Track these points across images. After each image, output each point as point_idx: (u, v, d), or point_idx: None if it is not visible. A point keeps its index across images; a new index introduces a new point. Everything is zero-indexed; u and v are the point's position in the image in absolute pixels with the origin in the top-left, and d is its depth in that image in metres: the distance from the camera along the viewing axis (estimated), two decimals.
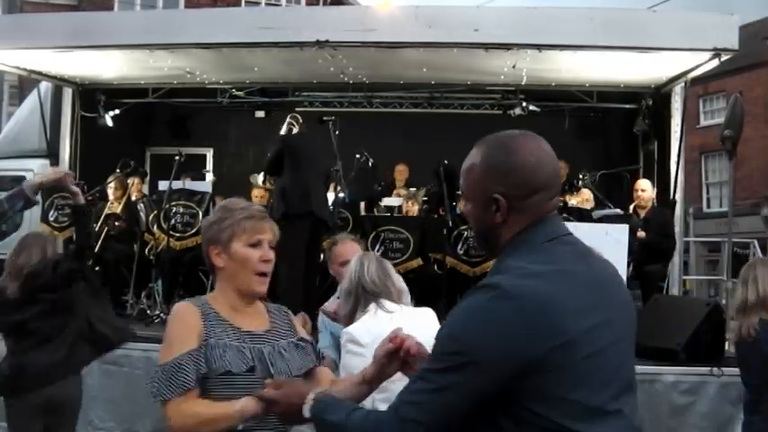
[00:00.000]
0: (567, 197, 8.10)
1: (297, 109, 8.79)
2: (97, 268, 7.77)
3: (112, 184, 8.00)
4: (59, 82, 9.01)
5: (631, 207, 7.79)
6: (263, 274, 2.22)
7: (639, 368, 5.52)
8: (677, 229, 7.77)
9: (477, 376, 1.53)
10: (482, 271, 7.19)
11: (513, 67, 7.68)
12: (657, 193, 8.09)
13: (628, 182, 8.42)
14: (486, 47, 6.95)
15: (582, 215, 7.28)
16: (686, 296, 9.64)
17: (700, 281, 13.86)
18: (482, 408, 1.57)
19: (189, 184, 8.00)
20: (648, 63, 7.42)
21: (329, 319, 3.62)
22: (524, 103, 8.83)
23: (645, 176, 8.64)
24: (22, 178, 9.75)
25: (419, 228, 7.71)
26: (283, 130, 7.24)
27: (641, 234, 7.28)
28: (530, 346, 1.51)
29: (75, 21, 7.98)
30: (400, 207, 8.34)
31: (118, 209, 7.94)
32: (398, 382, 1.85)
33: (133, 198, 8.27)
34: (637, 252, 7.08)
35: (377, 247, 7.54)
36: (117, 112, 9.32)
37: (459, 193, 9.17)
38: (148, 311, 7.38)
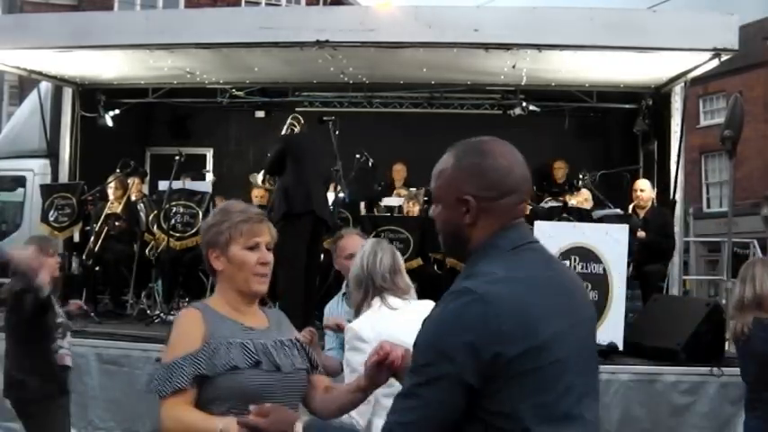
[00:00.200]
0: (568, 197, 8.10)
1: (297, 109, 8.80)
2: (97, 268, 7.78)
3: (112, 184, 8.00)
4: (59, 82, 9.01)
5: (631, 207, 7.79)
6: (261, 276, 2.25)
7: (639, 368, 5.58)
8: (677, 229, 7.77)
9: (459, 383, 1.54)
10: None
11: (513, 67, 7.68)
12: (657, 193, 8.09)
13: (628, 182, 8.42)
14: (486, 47, 6.96)
15: (582, 215, 7.28)
16: (686, 296, 9.64)
17: (700, 281, 13.86)
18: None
19: (189, 184, 8.00)
20: (648, 63, 7.42)
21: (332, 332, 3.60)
22: (524, 103, 8.83)
23: (645, 176, 8.64)
24: (23, 178, 9.80)
25: (419, 228, 7.70)
26: (284, 131, 7.24)
27: (641, 234, 7.29)
28: (504, 349, 1.53)
29: (75, 21, 7.98)
30: (400, 207, 8.34)
31: (118, 209, 7.94)
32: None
33: (133, 198, 8.27)
34: (637, 252, 7.08)
35: None
36: (117, 112, 9.33)
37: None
38: (148, 311, 7.38)
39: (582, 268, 6.03)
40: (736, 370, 4.19)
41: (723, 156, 17.10)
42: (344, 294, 3.75)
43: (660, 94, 8.54)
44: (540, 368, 1.56)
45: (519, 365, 1.54)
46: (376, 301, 2.89)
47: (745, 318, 3.84)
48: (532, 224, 6.54)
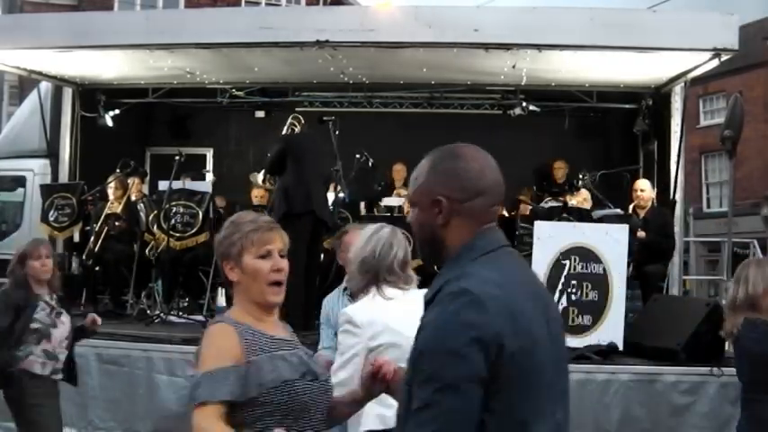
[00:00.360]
0: (568, 197, 8.10)
1: (297, 109, 8.80)
2: (97, 268, 7.79)
3: (112, 184, 8.00)
4: (59, 82, 9.01)
5: (631, 207, 7.79)
6: (276, 284, 2.24)
7: (639, 368, 5.57)
8: (677, 229, 7.77)
9: (476, 381, 1.55)
10: None
11: (513, 67, 7.68)
12: (657, 193, 8.09)
13: (628, 182, 8.42)
14: (486, 47, 6.96)
15: (582, 215, 7.28)
16: (686, 296, 9.64)
17: (700, 281, 13.87)
18: None
19: (189, 184, 7.99)
20: (648, 63, 7.42)
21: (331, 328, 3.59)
22: (524, 103, 8.83)
23: (645, 176, 8.64)
24: (23, 178, 9.80)
25: None
26: (285, 130, 7.24)
27: (641, 234, 7.29)
28: (506, 342, 1.56)
29: (75, 21, 7.99)
30: (400, 207, 8.34)
31: (118, 209, 7.94)
32: None
33: (133, 198, 8.28)
34: (637, 252, 7.08)
35: None
36: (117, 112, 9.32)
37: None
38: (148, 311, 7.38)
39: (582, 268, 6.03)
40: None
41: (723, 156, 17.11)
42: (345, 290, 3.73)
43: (660, 94, 8.54)
44: (532, 367, 1.60)
45: (517, 362, 1.57)
46: (372, 290, 2.89)
47: (736, 318, 3.87)
48: (532, 224, 6.56)
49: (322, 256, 7.03)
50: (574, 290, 6.02)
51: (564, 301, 6.01)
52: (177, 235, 7.55)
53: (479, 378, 1.55)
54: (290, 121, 7.28)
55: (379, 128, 9.85)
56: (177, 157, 7.69)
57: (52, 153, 9.26)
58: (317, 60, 7.69)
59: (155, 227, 7.63)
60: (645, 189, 7.75)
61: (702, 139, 22.03)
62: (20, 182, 9.81)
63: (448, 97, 9.88)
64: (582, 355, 5.68)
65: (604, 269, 6.02)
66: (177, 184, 7.71)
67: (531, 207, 8.09)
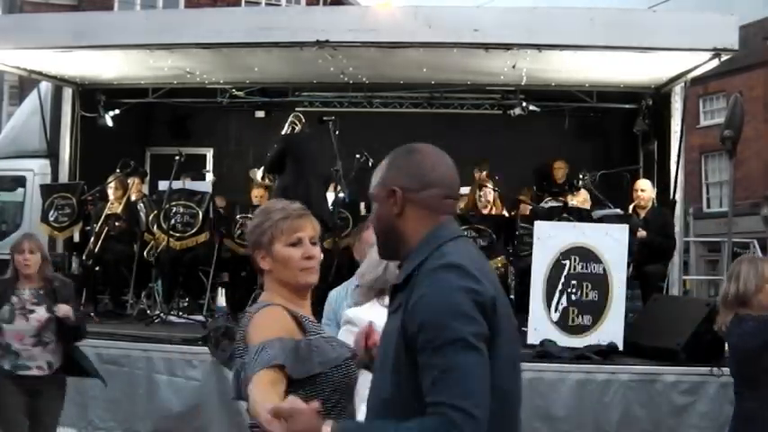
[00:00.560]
0: (568, 197, 8.10)
1: (297, 109, 8.79)
2: (97, 268, 7.78)
3: (113, 184, 8.00)
4: (59, 82, 9.01)
5: (631, 207, 7.79)
6: (309, 269, 2.25)
7: (639, 368, 5.57)
8: (677, 229, 7.77)
9: (482, 341, 1.65)
10: None
11: (513, 67, 7.68)
12: (657, 193, 8.08)
13: (628, 182, 8.41)
14: (486, 47, 6.95)
15: (582, 215, 7.28)
16: (686, 296, 9.64)
17: (700, 281, 13.87)
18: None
19: (189, 184, 8.00)
20: (648, 63, 7.42)
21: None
22: (524, 103, 8.82)
23: (645, 176, 8.63)
24: (23, 178, 9.80)
25: None
26: (285, 129, 7.24)
27: (641, 234, 7.29)
28: (496, 308, 1.70)
29: (75, 21, 7.98)
30: None
31: (118, 209, 7.93)
32: None
33: (133, 198, 8.27)
34: (637, 252, 7.08)
35: None
36: (117, 112, 9.32)
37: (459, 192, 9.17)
38: (148, 311, 7.38)
39: (582, 268, 6.03)
40: None
41: (723, 156, 17.11)
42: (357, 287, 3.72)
43: (660, 94, 8.54)
44: (502, 334, 1.71)
45: (499, 326, 1.69)
46: (374, 299, 2.98)
47: (727, 315, 3.91)
48: (532, 224, 6.56)
49: (322, 256, 7.03)
50: (574, 290, 6.02)
51: (564, 301, 6.01)
52: (177, 235, 7.55)
53: (485, 337, 1.65)
54: (290, 119, 7.29)
55: (379, 128, 9.84)
56: (177, 157, 7.69)
57: (52, 153, 9.26)
58: (317, 60, 7.69)
59: (155, 227, 7.63)
60: (645, 189, 7.75)
61: (702, 139, 22.02)
62: (20, 182, 9.81)
63: (448, 97, 9.88)
64: (582, 355, 5.68)
65: (604, 269, 6.02)
66: (177, 184, 7.71)
67: (531, 207, 8.09)
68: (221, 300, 8.17)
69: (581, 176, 8.09)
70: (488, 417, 1.61)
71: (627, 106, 9.23)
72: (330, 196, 7.51)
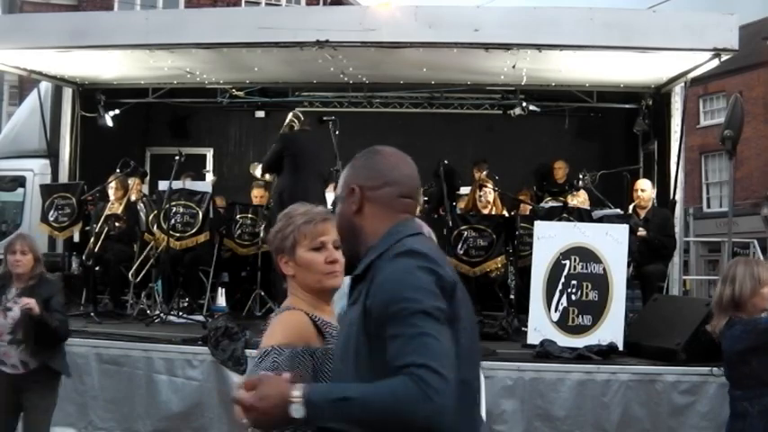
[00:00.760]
0: (568, 197, 8.10)
1: (297, 109, 8.79)
2: (97, 268, 7.78)
3: (113, 184, 7.99)
4: (59, 82, 9.02)
5: (631, 207, 7.79)
6: (332, 273, 2.22)
7: (639, 368, 5.57)
8: (677, 229, 7.77)
9: (443, 313, 1.66)
10: (482, 271, 7.19)
11: (513, 67, 7.67)
12: (657, 193, 8.09)
13: (628, 182, 8.42)
14: (486, 47, 6.95)
15: (582, 215, 7.28)
16: (686, 296, 9.64)
17: (700, 281, 13.87)
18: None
19: (189, 184, 7.98)
20: (648, 63, 7.42)
21: None
22: (524, 103, 8.83)
23: (645, 176, 8.64)
24: (23, 178, 9.80)
25: None
26: (284, 128, 7.20)
27: (642, 233, 7.29)
28: (455, 292, 1.73)
29: (75, 21, 7.98)
30: None
31: (119, 209, 7.93)
32: None
33: (133, 198, 8.27)
34: (637, 252, 7.08)
35: None
36: (117, 112, 9.32)
37: (459, 192, 9.08)
38: (148, 311, 7.38)
39: (582, 268, 6.03)
40: None
41: (723, 156, 17.13)
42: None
43: (660, 94, 8.54)
44: (461, 322, 1.73)
45: (459, 313, 1.72)
46: None
47: (721, 318, 3.91)
48: (532, 224, 6.56)
49: None
50: (574, 290, 6.01)
51: (564, 301, 6.01)
52: (177, 235, 7.55)
53: (447, 316, 1.66)
54: (289, 117, 7.23)
55: (379, 128, 9.84)
56: (177, 157, 7.69)
57: (52, 153, 9.26)
58: (317, 60, 7.69)
59: (155, 227, 7.63)
60: (645, 189, 7.75)
61: (702, 139, 22.05)
62: (20, 182, 9.81)
63: (448, 97, 9.88)
64: (582, 355, 5.68)
65: (604, 269, 6.02)
66: (177, 184, 7.70)
67: (531, 207, 8.09)
68: (221, 300, 8.17)
69: (581, 176, 8.09)
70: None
71: (627, 106, 9.23)
72: (330, 196, 7.50)
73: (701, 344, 5.55)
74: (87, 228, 8.04)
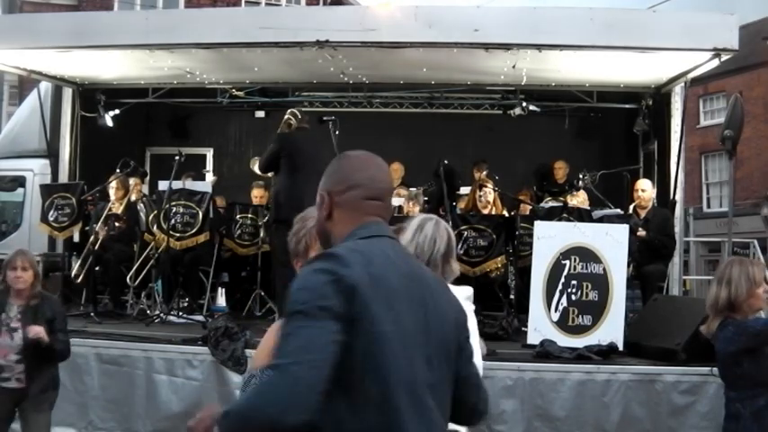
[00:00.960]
0: (568, 197, 8.10)
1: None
2: (97, 268, 7.78)
3: (114, 184, 8.00)
4: (59, 82, 9.01)
5: (631, 207, 7.79)
6: None
7: (639, 368, 5.58)
8: (677, 229, 7.77)
9: (325, 311, 1.66)
10: (482, 271, 7.19)
11: (513, 67, 7.67)
12: (657, 193, 8.08)
13: (628, 182, 8.42)
14: (486, 47, 6.95)
15: (582, 215, 7.28)
16: (686, 296, 9.64)
17: (700, 281, 13.85)
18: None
19: (189, 184, 7.99)
20: (648, 63, 7.42)
21: None
22: (524, 103, 8.82)
23: (645, 176, 8.63)
24: (23, 178, 9.80)
25: None
26: (281, 127, 7.13)
27: (642, 233, 7.29)
28: (356, 291, 1.68)
29: (75, 21, 7.97)
30: (400, 207, 8.34)
31: (119, 209, 7.94)
32: None
33: (133, 198, 8.27)
34: (637, 252, 7.08)
35: None
36: (117, 112, 9.32)
37: (459, 192, 9.06)
38: (148, 311, 7.38)
39: (582, 268, 6.03)
40: None
41: (723, 156, 17.11)
42: None
43: (660, 94, 8.54)
44: (373, 319, 1.69)
45: (368, 311, 1.68)
46: None
47: (716, 319, 3.90)
48: (532, 224, 6.56)
49: None
50: (574, 290, 6.02)
51: (564, 301, 6.02)
52: (177, 235, 7.55)
53: (335, 314, 1.65)
54: (285, 116, 7.12)
55: (380, 128, 9.85)
56: (177, 157, 7.69)
57: (52, 153, 9.26)
58: (317, 60, 7.68)
59: (155, 227, 7.63)
60: (646, 189, 7.75)
61: (702, 139, 22.04)
62: (20, 182, 9.81)
63: (448, 97, 9.88)
64: (582, 355, 5.68)
65: (604, 269, 6.02)
66: (177, 184, 7.70)
67: (531, 207, 8.09)
68: (221, 300, 8.17)
69: (581, 176, 8.09)
70: (323, 382, 1.62)
71: (627, 106, 9.23)
72: None
73: (701, 344, 5.54)
74: (87, 228, 8.04)
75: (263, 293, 7.74)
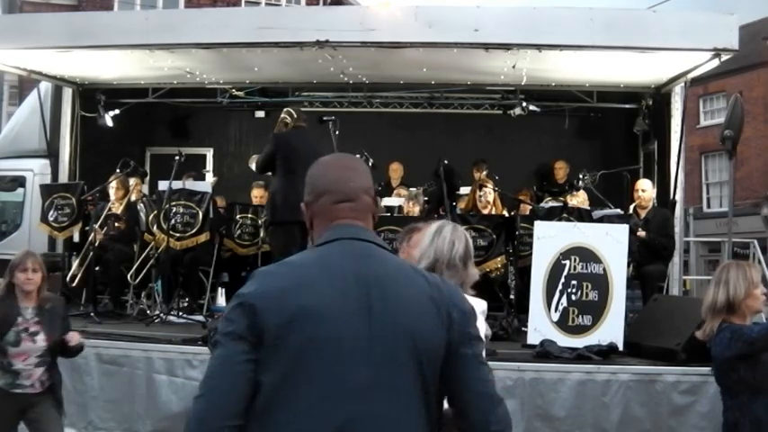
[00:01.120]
0: (568, 197, 8.11)
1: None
2: (97, 268, 7.78)
3: (114, 184, 8.00)
4: (59, 82, 9.01)
5: (632, 207, 7.79)
6: None
7: (639, 368, 5.57)
8: (677, 229, 7.77)
9: (233, 339, 1.72)
10: (482, 271, 7.16)
11: (513, 67, 7.67)
12: (657, 194, 8.08)
13: (628, 182, 8.42)
14: (486, 47, 6.95)
15: (582, 215, 7.28)
16: (686, 296, 9.64)
17: (700, 281, 13.85)
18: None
19: (189, 184, 7.99)
20: (648, 63, 7.42)
21: None
22: (524, 103, 8.83)
23: (645, 176, 8.64)
24: (23, 178, 9.80)
25: None
26: (278, 125, 7.07)
27: (642, 233, 7.29)
28: (255, 310, 1.70)
29: (75, 21, 7.97)
30: (400, 207, 8.34)
31: (119, 209, 7.94)
32: None
33: (133, 198, 8.27)
34: (637, 252, 7.08)
35: None
36: (117, 112, 9.33)
37: (459, 192, 9.05)
38: (148, 311, 7.38)
39: (582, 268, 6.03)
40: None
41: (723, 156, 17.11)
42: None
43: (660, 94, 8.54)
44: (302, 343, 1.68)
45: (268, 326, 1.68)
46: None
47: (713, 322, 3.88)
48: (532, 224, 6.56)
49: None
50: (574, 290, 6.02)
51: (564, 301, 6.01)
52: (177, 235, 7.55)
53: (239, 336, 1.70)
54: (281, 116, 7.04)
55: (379, 128, 9.85)
56: (177, 157, 7.69)
57: (52, 153, 9.26)
58: (317, 60, 7.68)
59: (155, 227, 7.63)
60: (646, 189, 7.75)
61: (702, 139, 22.05)
62: (20, 182, 9.80)
63: (448, 97, 9.88)
64: (582, 355, 5.68)
65: (604, 269, 6.02)
66: (177, 184, 7.70)
67: (531, 207, 8.09)
68: (221, 300, 8.17)
69: (581, 176, 8.09)
70: (227, 403, 1.72)
71: (627, 106, 9.23)
72: None
73: (701, 344, 5.54)
74: (87, 228, 8.04)
75: None
